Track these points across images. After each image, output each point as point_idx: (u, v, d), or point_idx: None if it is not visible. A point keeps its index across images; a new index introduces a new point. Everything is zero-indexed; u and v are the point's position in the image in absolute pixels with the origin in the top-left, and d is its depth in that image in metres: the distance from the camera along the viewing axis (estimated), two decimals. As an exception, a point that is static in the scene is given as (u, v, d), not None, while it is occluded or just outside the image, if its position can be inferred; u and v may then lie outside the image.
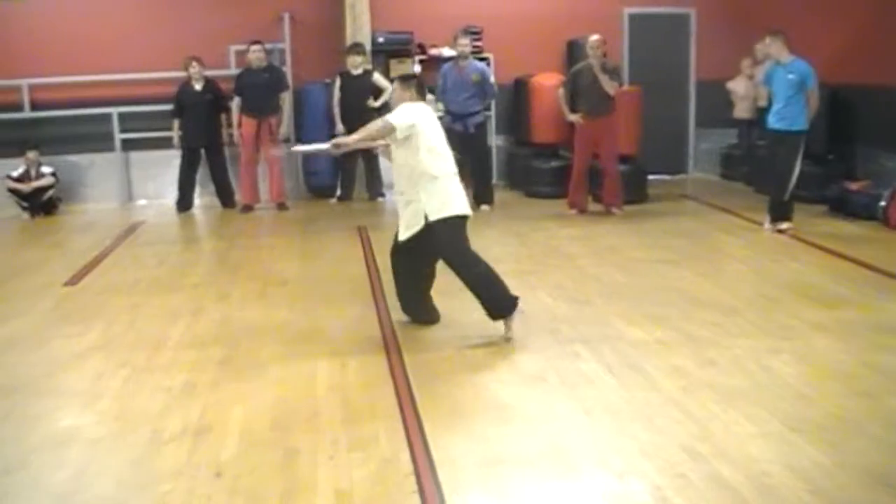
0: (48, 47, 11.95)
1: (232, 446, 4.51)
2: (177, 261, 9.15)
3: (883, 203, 9.41)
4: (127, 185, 12.61)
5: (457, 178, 6.20)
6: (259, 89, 11.39)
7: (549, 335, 6.16)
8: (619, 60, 12.32)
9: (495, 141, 12.76)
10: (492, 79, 11.37)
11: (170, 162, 12.00)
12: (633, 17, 13.28)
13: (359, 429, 4.68)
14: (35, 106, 12.10)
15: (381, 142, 6.31)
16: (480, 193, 11.30)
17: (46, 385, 5.51)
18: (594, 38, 10.31)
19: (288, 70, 12.16)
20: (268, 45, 11.80)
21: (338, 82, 11.40)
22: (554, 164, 11.88)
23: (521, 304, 6.20)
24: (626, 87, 11.13)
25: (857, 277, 7.56)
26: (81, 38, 12.06)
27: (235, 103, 11.60)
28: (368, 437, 4.56)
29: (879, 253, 8.22)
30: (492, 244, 9.20)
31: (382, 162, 9.61)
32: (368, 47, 11.92)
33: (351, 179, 12.19)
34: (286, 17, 12.32)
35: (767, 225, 9.36)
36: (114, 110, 12.19)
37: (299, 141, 12.36)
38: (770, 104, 9.46)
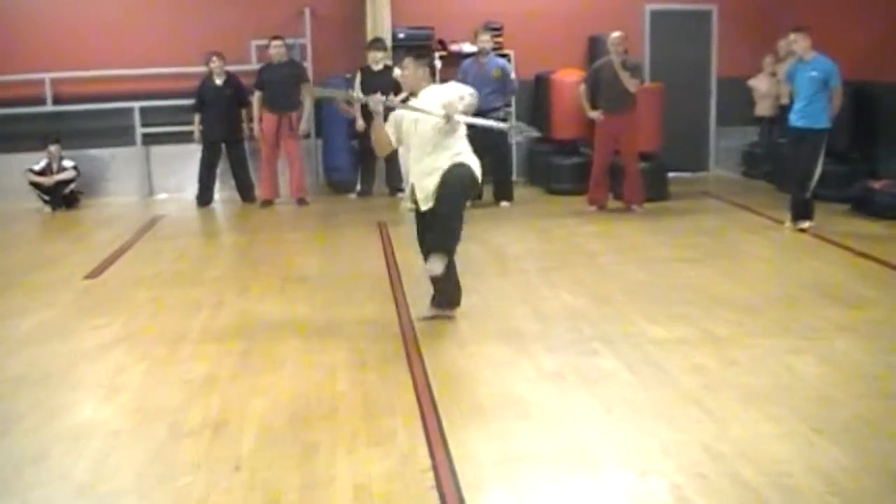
0: (70, 41, 12.00)
1: (251, 440, 4.51)
2: (197, 255, 9.18)
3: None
4: (148, 179, 12.65)
5: None
6: (280, 84, 11.41)
7: (570, 333, 6.14)
8: (640, 57, 12.27)
9: (516, 137, 12.72)
10: (512, 75, 11.37)
11: (190, 156, 12.04)
12: (654, 14, 13.23)
13: (377, 424, 4.68)
14: (57, 100, 12.15)
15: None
16: (500, 190, 11.30)
17: (68, 377, 5.54)
18: (616, 34, 10.28)
19: (309, 65, 12.17)
20: (289, 40, 11.81)
21: (358, 77, 11.39)
22: (574, 160, 11.86)
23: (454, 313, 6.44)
24: (647, 83, 11.09)
25: (880, 277, 7.50)
26: (103, 33, 12.11)
27: (256, 98, 11.61)
28: (387, 433, 4.56)
29: (902, 253, 8.17)
30: (512, 241, 9.23)
31: (402, 158, 9.58)
32: (389, 43, 11.91)
33: (371, 175, 12.19)
34: (307, 12, 12.33)
35: (789, 223, 9.31)
36: (135, 104, 12.23)
37: (319, 136, 12.43)
38: (792, 102, 9.40)
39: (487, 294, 7.09)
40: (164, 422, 4.78)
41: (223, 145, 11.92)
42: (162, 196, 12.59)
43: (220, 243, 10.41)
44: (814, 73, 8.88)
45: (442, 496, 3.89)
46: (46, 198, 11.64)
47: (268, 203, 11.71)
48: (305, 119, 11.81)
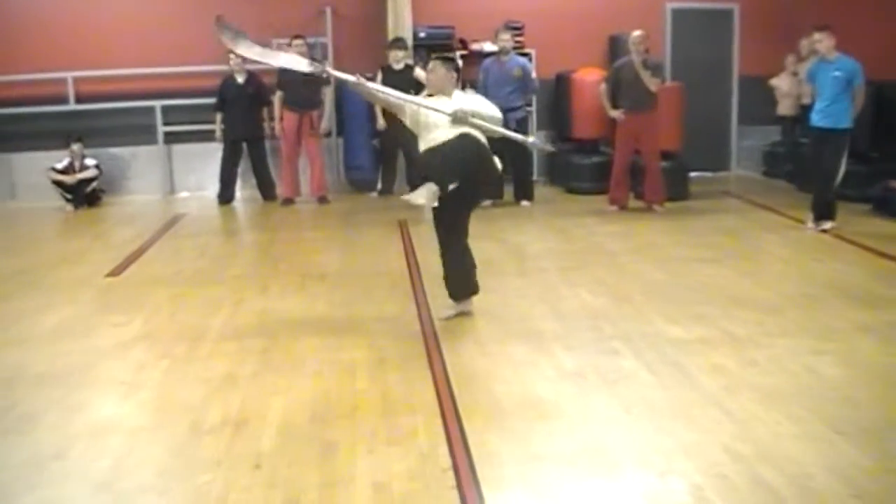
0: (92, 41, 12.09)
1: (271, 438, 4.52)
2: (218, 253, 9.21)
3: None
4: (169, 178, 12.72)
5: None
6: (301, 83, 11.41)
7: (589, 332, 6.13)
8: (661, 56, 12.24)
9: (536, 137, 12.71)
10: (533, 74, 11.36)
11: (212, 155, 12.09)
12: (675, 13, 13.20)
13: (397, 423, 4.68)
14: (79, 98, 12.24)
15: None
16: (520, 189, 11.31)
17: (89, 375, 5.57)
18: (637, 33, 10.26)
19: (330, 64, 12.18)
20: (310, 40, 11.84)
21: (379, 77, 11.39)
22: (595, 159, 11.84)
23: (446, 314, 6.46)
24: (667, 83, 11.06)
25: (902, 278, 7.47)
26: (125, 32, 12.18)
27: (277, 97, 11.65)
28: (407, 432, 4.56)
29: (925, 253, 8.12)
30: (532, 240, 9.23)
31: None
32: (410, 42, 11.92)
33: (392, 173, 12.22)
34: (328, 11, 12.38)
35: (810, 224, 9.26)
36: (157, 103, 12.31)
37: (340, 135, 12.45)
38: (813, 101, 9.35)
39: (507, 293, 7.09)
40: (185, 419, 4.79)
41: (244, 144, 11.97)
42: (183, 194, 12.66)
43: (240, 241, 10.45)
44: (837, 73, 8.84)
45: (462, 496, 3.89)
46: (68, 196, 11.70)
47: (289, 201, 11.75)
48: (326, 118, 11.85)
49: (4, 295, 7.58)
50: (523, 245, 9.00)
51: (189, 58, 12.07)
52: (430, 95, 6.51)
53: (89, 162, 11.81)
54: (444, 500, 3.87)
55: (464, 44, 12.49)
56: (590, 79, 11.65)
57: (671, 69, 12.45)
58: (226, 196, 12.01)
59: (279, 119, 11.69)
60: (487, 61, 11.31)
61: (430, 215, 6.47)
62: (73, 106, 12.21)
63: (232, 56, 11.54)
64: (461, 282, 6.47)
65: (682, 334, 6.00)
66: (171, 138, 12.55)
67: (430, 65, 6.44)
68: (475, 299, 6.57)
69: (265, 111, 11.96)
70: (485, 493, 3.90)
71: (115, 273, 8.20)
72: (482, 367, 5.52)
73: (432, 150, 6.00)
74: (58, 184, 11.67)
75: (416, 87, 11.07)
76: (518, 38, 12.11)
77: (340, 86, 11.87)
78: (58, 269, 8.45)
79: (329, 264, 8.39)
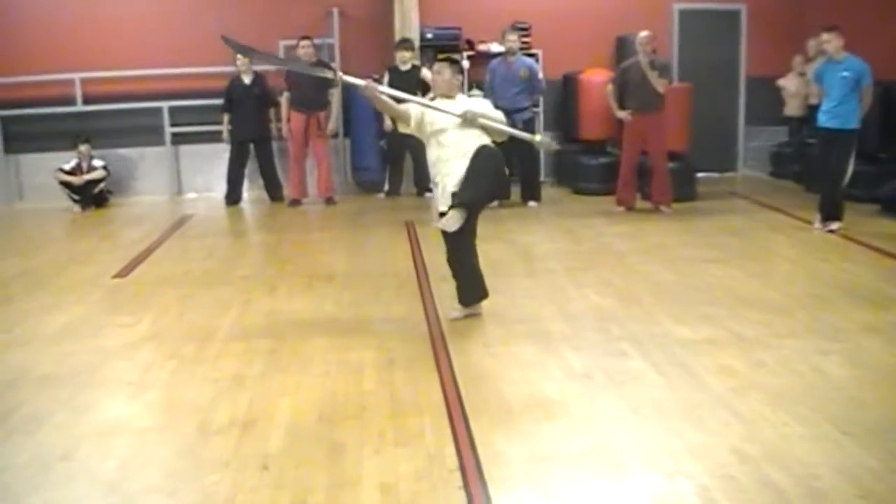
0: (100, 42, 12.12)
1: (278, 439, 4.53)
2: (225, 254, 9.23)
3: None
4: (177, 179, 12.75)
5: None
6: (308, 85, 11.43)
7: (597, 333, 6.12)
8: (668, 57, 12.21)
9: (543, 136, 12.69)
10: (540, 75, 11.37)
11: (219, 156, 12.11)
12: (682, 13, 13.19)
13: (405, 423, 4.68)
14: (87, 99, 12.27)
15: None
16: (528, 190, 11.31)
17: (96, 375, 5.57)
18: (644, 34, 10.24)
19: (337, 65, 12.19)
20: (317, 41, 11.85)
21: (386, 77, 11.41)
22: (602, 160, 11.83)
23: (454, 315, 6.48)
24: (675, 83, 11.05)
25: (910, 279, 7.46)
26: (132, 33, 12.21)
27: (285, 98, 11.66)
28: (414, 432, 4.56)
29: (933, 254, 8.10)
30: (539, 241, 9.23)
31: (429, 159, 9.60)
32: (417, 43, 11.93)
33: (399, 174, 12.23)
34: (335, 12, 12.39)
35: (817, 224, 9.25)
36: (164, 104, 12.34)
37: (347, 136, 12.45)
38: (820, 102, 9.33)
39: (515, 294, 7.09)
40: (192, 420, 4.80)
41: (251, 145, 11.98)
42: (191, 195, 12.68)
43: (248, 242, 10.47)
44: (846, 74, 8.82)
45: (469, 496, 3.89)
46: (76, 197, 11.73)
47: (296, 202, 11.76)
48: (334, 119, 11.85)
49: (12, 295, 7.60)
50: (531, 246, 8.99)
51: (196, 59, 12.07)
52: (433, 98, 6.52)
53: (97, 163, 11.84)
54: (452, 501, 3.87)
55: (471, 45, 12.49)
56: (597, 80, 11.64)
57: (678, 70, 12.41)
58: (233, 197, 12.03)
59: (286, 120, 11.71)
60: (494, 62, 11.31)
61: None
62: (80, 107, 12.24)
63: (239, 57, 11.57)
64: (472, 288, 6.47)
65: (689, 335, 5.99)
66: (179, 139, 12.58)
67: (436, 66, 6.44)
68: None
69: (272, 112, 11.97)
70: (492, 493, 3.90)
71: (122, 274, 8.21)
72: (490, 368, 5.52)
73: (466, 180, 6.01)
74: (65, 185, 11.70)
75: (422, 89, 11.12)
76: (525, 39, 12.11)
77: (347, 87, 11.92)
78: (65, 269, 8.47)
79: (336, 265, 8.40)
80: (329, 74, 7.07)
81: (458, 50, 12.13)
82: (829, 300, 6.76)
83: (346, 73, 6.74)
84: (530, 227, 9.99)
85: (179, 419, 4.84)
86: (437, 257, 6.77)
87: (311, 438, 4.53)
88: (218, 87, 11.88)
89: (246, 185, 12.26)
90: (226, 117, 11.83)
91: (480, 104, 6.39)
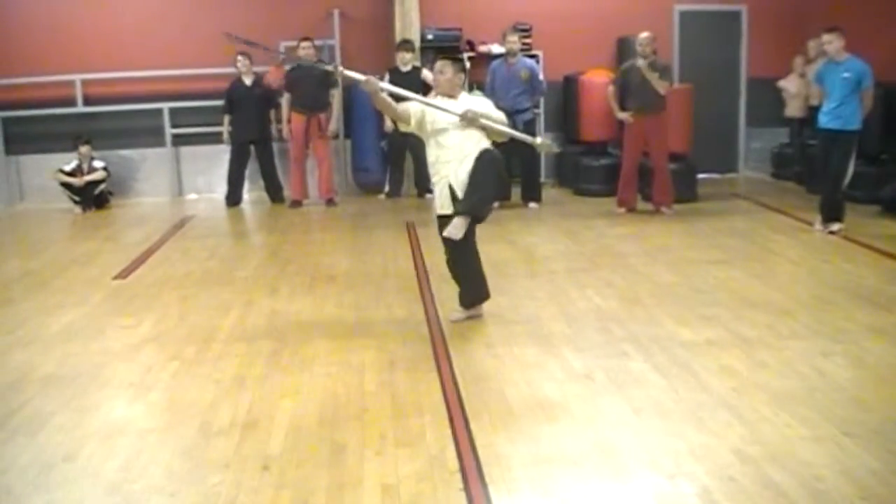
0: (100, 43, 12.12)
1: (280, 440, 4.53)
2: (227, 255, 9.22)
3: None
4: (177, 180, 12.75)
5: None
6: (309, 85, 11.45)
7: (599, 334, 6.12)
8: (669, 58, 12.20)
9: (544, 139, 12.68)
10: (541, 76, 11.37)
11: (219, 157, 12.13)
12: (683, 14, 13.18)
13: (406, 425, 4.68)
14: (87, 101, 12.28)
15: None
16: (528, 191, 11.31)
17: (98, 376, 5.57)
18: (644, 35, 10.23)
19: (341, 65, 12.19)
20: (318, 42, 11.85)
21: (387, 78, 11.38)
22: (603, 161, 11.83)
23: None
24: (675, 85, 11.04)
25: (912, 279, 7.45)
26: (133, 34, 12.21)
27: (285, 99, 11.66)
28: (416, 434, 4.56)
29: (934, 255, 8.09)
30: (541, 242, 9.22)
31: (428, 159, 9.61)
32: (418, 44, 11.94)
33: (399, 175, 12.24)
34: (336, 13, 12.39)
35: (818, 225, 9.24)
36: (165, 105, 12.34)
37: (348, 137, 12.44)
38: (821, 103, 9.32)
39: (516, 295, 7.09)
40: (194, 421, 4.80)
41: (252, 146, 11.97)
42: (191, 196, 12.69)
43: (249, 244, 10.47)
44: (847, 75, 8.81)
45: (470, 498, 3.89)
46: (77, 198, 11.73)
47: (297, 204, 11.76)
48: (334, 120, 11.85)
49: (13, 297, 7.61)
50: (532, 247, 8.99)
51: (197, 60, 12.08)
52: (435, 98, 6.51)
53: (97, 164, 11.85)
54: (453, 502, 3.87)
55: (471, 46, 12.49)
56: (598, 81, 11.63)
57: (679, 71, 12.42)
58: (234, 198, 12.03)
59: (287, 121, 11.71)
60: (495, 63, 11.31)
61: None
62: (81, 108, 12.25)
63: (239, 58, 11.58)
64: (474, 290, 6.48)
65: (691, 336, 5.99)
66: (180, 140, 12.59)
67: (438, 65, 6.36)
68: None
69: (273, 113, 11.97)
70: (493, 495, 3.90)
71: (123, 275, 8.21)
72: (491, 369, 5.51)
73: (470, 186, 6.02)
74: (66, 186, 11.70)
75: (423, 89, 11.09)
76: (526, 40, 12.12)
77: (348, 88, 11.94)
78: (67, 271, 8.47)
79: (337, 266, 8.39)
80: (329, 67, 7.04)
81: (458, 51, 12.13)
82: (831, 301, 6.76)
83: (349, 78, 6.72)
84: (531, 228, 9.98)
85: (181, 420, 4.84)
86: (438, 258, 6.77)
87: (312, 439, 4.53)
88: (219, 89, 11.88)
89: (247, 186, 12.27)
90: (226, 118, 11.82)
91: (482, 104, 6.36)
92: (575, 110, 12.17)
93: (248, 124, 11.81)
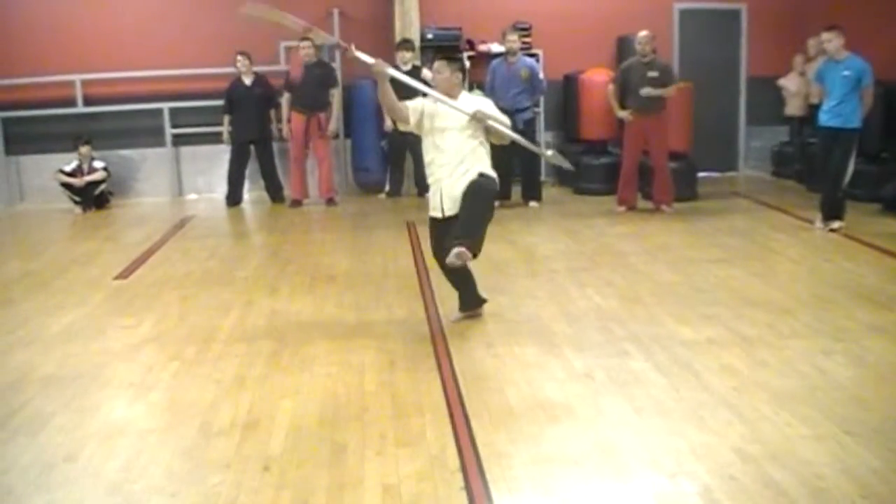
0: (100, 43, 12.12)
1: (280, 440, 4.53)
2: (227, 255, 9.21)
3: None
4: (177, 180, 12.75)
5: None
6: (309, 85, 11.45)
7: (599, 333, 6.12)
8: (669, 57, 12.20)
9: (544, 137, 12.68)
10: (541, 75, 11.36)
11: (219, 157, 12.14)
12: (683, 13, 13.19)
13: (406, 424, 4.68)
14: (87, 101, 12.27)
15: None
16: (528, 190, 11.31)
17: (98, 377, 5.57)
18: (643, 34, 10.24)
19: (337, 66, 12.20)
20: (318, 41, 11.83)
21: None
22: (603, 160, 11.83)
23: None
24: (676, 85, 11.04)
25: (913, 278, 7.44)
26: (133, 34, 12.21)
27: (285, 99, 11.66)
28: (416, 433, 4.56)
29: (935, 253, 8.09)
30: (541, 241, 9.22)
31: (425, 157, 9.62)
32: (417, 43, 11.93)
33: (400, 175, 12.24)
34: (336, 12, 12.39)
35: (819, 224, 9.24)
36: (165, 105, 12.34)
37: (348, 136, 12.43)
38: (821, 101, 9.32)
39: (516, 294, 7.08)
40: (194, 421, 4.80)
41: (252, 146, 11.97)
42: (192, 196, 12.69)
43: (249, 243, 10.46)
44: (847, 73, 8.81)
45: (471, 497, 3.88)
46: (77, 198, 11.73)
47: (297, 203, 11.76)
48: (334, 119, 11.84)
49: (14, 297, 7.60)
50: (533, 246, 8.98)
51: (197, 60, 12.09)
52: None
53: (98, 164, 11.85)
54: (454, 502, 3.86)
55: (471, 45, 12.49)
56: (598, 79, 11.64)
57: (679, 70, 12.39)
58: (234, 198, 12.03)
59: (287, 121, 11.71)
60: (495, 62, 11.30)
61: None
62: (81, 108, 12.24)
63: (239, 58, 11.58)
64: (474, 296, 6.48)
65: (692, 335, 5.99)
66: (180, 140, 12.59)
67: (436, 65, 6.28)
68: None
69: (273, 113, 11.96)
70: (493, 494, 3.90)
71: (124, 275, 8.21)
72: (491, 369, 5.51)
73: (466, 218, 5.98)
74: (66, 186, 11.70)
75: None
76: (526, 39, 12.12)
77: (348, 87, 11.93)
78: (67, 271, 8.46)
79: (338, 266, 8.39)
80: (343, 44, 6.92)
81: (458, 50, 12.12)
82: (831, 300, 6.76)
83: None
84: (532, 227, 9.98)
85: (181, 420, 4.84)
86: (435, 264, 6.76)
87: (312, 439, 4.53)
88: (218, 89, 11.88)
89: (247, 186, 12.27)
90: (226, 118, 11.83)
91: (485, 105, 6.29)
92: (575, 109, 12.17)
93: (248, 124, 11.81)
